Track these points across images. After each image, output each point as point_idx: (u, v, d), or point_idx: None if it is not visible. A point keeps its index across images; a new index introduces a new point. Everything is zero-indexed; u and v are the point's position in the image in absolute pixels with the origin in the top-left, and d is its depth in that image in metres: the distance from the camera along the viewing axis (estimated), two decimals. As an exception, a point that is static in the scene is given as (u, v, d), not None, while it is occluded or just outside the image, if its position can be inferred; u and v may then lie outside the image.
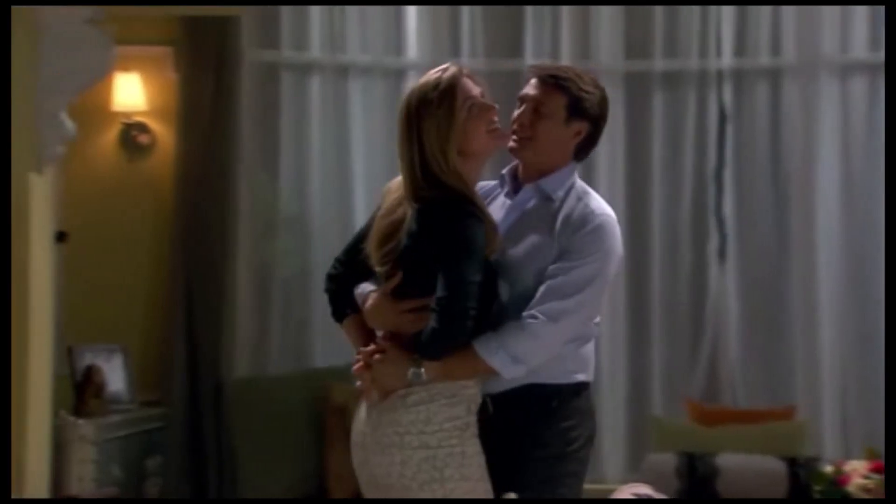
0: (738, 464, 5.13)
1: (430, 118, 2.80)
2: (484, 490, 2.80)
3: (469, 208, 2.78)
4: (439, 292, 2.72)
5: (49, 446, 4.61)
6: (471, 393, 2.82)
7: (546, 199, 2.92)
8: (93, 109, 5.62)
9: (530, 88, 2.96)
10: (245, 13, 5.65)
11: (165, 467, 5.59)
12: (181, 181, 5.75)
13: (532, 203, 2.95)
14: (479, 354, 2.77)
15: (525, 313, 2.79)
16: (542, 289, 2.80)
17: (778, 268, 5.89)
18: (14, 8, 4.19)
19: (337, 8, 5.88)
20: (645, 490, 4.92)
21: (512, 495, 2.85)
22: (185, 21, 5.71)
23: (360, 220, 5.14)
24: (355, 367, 2.88)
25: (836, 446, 5.63)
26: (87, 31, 4.34)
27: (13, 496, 4.19)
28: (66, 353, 5.38)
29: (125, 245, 5.77)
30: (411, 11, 5.93)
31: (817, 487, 4.99)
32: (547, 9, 5.94)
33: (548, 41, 5.96)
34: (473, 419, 2.81)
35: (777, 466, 5.10)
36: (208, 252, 5.70)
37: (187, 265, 5.70)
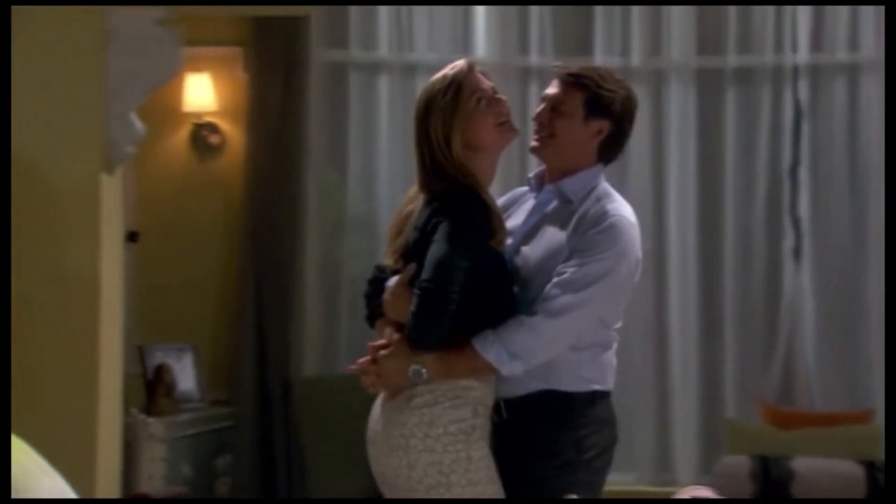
0: (814, 467, 5.04)
1: (436, 109, 2.81)
2: (493, 492, 2.75)
3: (470, 198, 2.76)
4: (422, 275, 2.70)
5: (120, 445, 4.65)
6: (476, 395, 2.77)
7: (566, 200, 2.88)
8: (164, 110, 5.67)
9: (551, 88, 2.93)
10: (311, 13, 5.66)
11: (235, 466, 5.62)
12: (250, 181, 5.77)
13: (553, 205, 2.91)
14: (475, 349, 2.72)
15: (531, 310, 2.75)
16: (549, 286, 2.75)
17: (855, 267, 5.78)
18: (82, 9, 4.23)
19: (405, 7, 5.87)
20: (705, 493, 4.85)
21: None
22: (255, 22, 5.74)
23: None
24: (360, 361, 2.86)
25: (915, 450, 5.49)
26: (157, 32, 4.35)
27: (85, 495, 4.23)
28: (137, 352, 5.43)
29: (196, 245, 5.81)
30: (479, 9, 5.90)
31: (896, 492, 4.87)
32: (617, 5, 5.88)
33: (618, 38, 5.90)
34: (480, 422, 2.77)
35: (854, 470, 5.00)
36: (277, 251, 5.72)
37: (257, 265, 5.73)
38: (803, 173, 5.85)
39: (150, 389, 5.35)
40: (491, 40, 5.86)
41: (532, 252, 2.84)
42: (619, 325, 2.92)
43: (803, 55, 5.83)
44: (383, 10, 5.85)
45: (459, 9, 5.90)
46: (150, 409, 5.26)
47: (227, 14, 5.43)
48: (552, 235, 2.84)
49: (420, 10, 5.87)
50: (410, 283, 2.77)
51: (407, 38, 5.87)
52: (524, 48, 5.86)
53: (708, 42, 5.93)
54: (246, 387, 5.65)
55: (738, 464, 5.14)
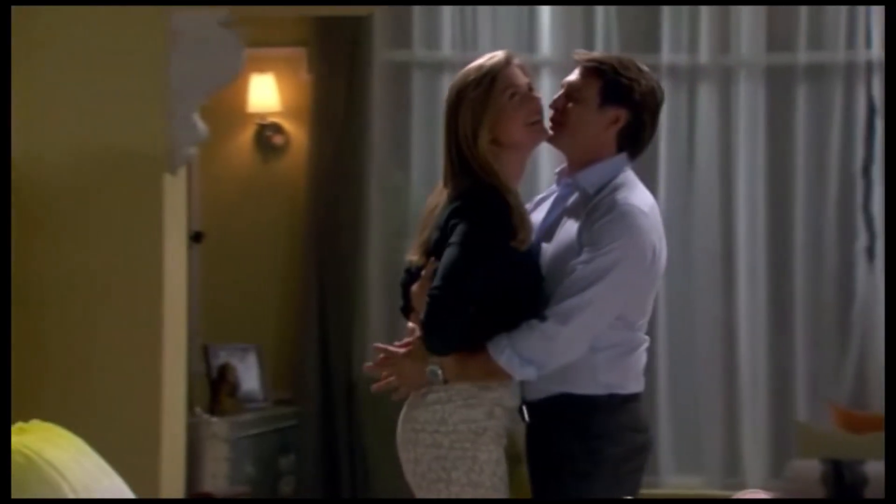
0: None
1: (467, 100, 2.73)
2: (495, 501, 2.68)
3: (490, 198, 2.67)
4: (434, 281, 2.64)
5: (184, 444, 4.67)
6: (493, 396, 2.71)
7: (584, 193, 2.77)
8: (228, 111, 5.69)
9: (571, 75, 2.83)
10: (374, 13, 5.64)
11: (298, 466, 5.63)
12: (314, 181, 5.78)
13: (572, 198, 2.80)
14: (491, 355, 2.65)
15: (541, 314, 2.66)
16: (559, 287, 2.66)
17: (930, 267, 5.64)
18: (145, 10, 4.25)
19: (468, 6, 5.84)
20: (761, 496, 4.78)
21: None
22: (319, 22, 5.74)
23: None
24: (377, 359, 2.82)
25: None
26: (219, 33, 4.36)
27: (149, 494, 4.26)
28: (202, 351, 5.46)
29: (260, 245, 5.83)
30: (544, 7, 5.85)
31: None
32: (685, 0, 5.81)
33: (685, 35, 5.83)
34: (493, 424, 2.70)
35: (929, 476, 4.88)
36: (340, 251, 5.72)
37: (320, 265, 5.73)
38: (876, 172, 5.73)
39: (214, 389, 5.37)
40: (555, 38, 5.81)
41: (550, 249, 2.76)
42: (643, 321, 2.78)
43: (877, 51, 5.71)
44: (447, 10, 5.83)
45: (524, 7, 5.86)
46: (213, 408, 5.28)
47: (290, 14, 5.43)
48: (568, 230, 2.74)
49: (484, 9, 5.83)
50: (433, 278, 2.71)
51: (470, 37, 5.84)
52: (589, 46, 5.78)
53: (778, 38, 5.83)
54: (309, 386, 5.66)
55: (809, 468, 5.07)
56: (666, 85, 5.82)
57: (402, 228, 5.92)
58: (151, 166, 4.32)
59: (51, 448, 2.84)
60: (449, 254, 2.65)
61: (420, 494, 2.73)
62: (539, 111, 2.79)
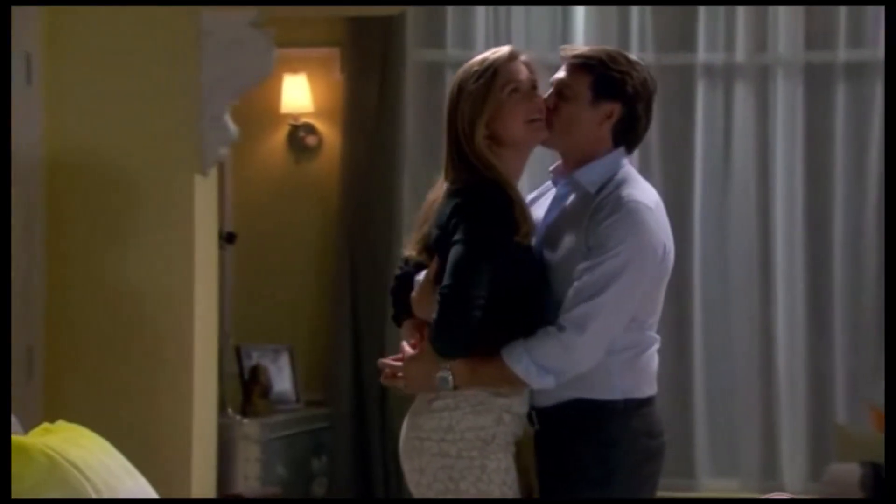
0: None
1: (466, 93, 2.67)
2: None
3: (490, 192, 2.61)
4: (444, 281, 2.57)
5: (215, 445, 4.67)
6: (502, 402, 2.64)
7: (583, 192, 2.70)
8: (261, 112, 5.70)
9: (559, 72, 2.76)
10: (407, 13, 5.64)
11: (331, 467, 5.62)
12: (347, 181, 5.77)
13: (571, 198, 2.73)
14: (506, 363, 2.59)
15: (555, 321, 2.59)
16: (570, 291, 2.59)
17: (972, 268, 5.55)
18: (174, 10, 4.26)
19: (502, 6, 5.80)
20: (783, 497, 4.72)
21: None
22: (351, 22, 5.74)
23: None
24: (386, 361, 2.75)
25: None
26: (249, 33, 4.36)
27: (180, 495, 4.26)
28: (234, 352, 5.46)
29: (292, 246, 5.83)
30: (579, 7, 5.81)
31: None
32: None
33: (722, 33, 5.77)
34: (502, 430, 2.63)
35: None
36: (373, 252, 5.70)
37: (353, 265, 5.72)
38: (916, 171, 5.64)
39: (246, 390, 5.37)
40: (590, 38, 5.76)
41: (553, 251, 2.69)
42: (654, 319, 2.73)
43: (917, 48, 5.62)
44: (480, 9, 5.80)
45: (558, 7, 5.81)
46: (245, 409, 5.28)
47: (318, 14, 5.43)
48: (570, 232, 2.67)
49: (517, 9, 5.80)
50: (437, 280, 2.64)
51: (504, 37, 5.80)
52: (624, 45, 5.72)
53: (817, 36, 5.76)
54: (342, 388, 5.65)
55: (848, 471, 4.99)
56: (702, 84, 5.85)
57: (434, 229, 5.91)
58: (182, 167, 4.34)
59: (74, 449, 2.85)
60: (455, 252, 2.59)
61: None
62: (540, 110, 2.71)
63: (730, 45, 5.76)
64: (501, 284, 2.62)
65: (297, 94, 5.80)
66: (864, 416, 5.49)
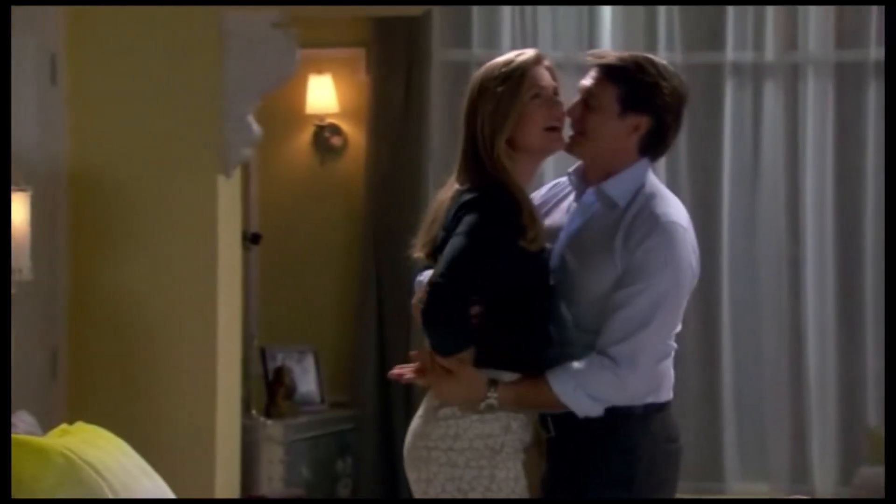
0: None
1: (489, 97, 2.61)
2: None
3: (498, 194, 2.56)
4: (435, 270, 2.53)
5: (238, 446, 4.67)
6: (510, 409, 2.59)
7: (611, 205, 2.66)
8: (286, 112, 5.70)
9: (586, 79, 2.69)
10: (433, 13, 5.61)
11: (356, 469, 5.61)
12: (372, 182, 5.76)
13: (596, 208, 2.69)
14: (554, 391, 2.56)
15: (602, 349, 2.56)
16: (613, 319, 2.56)
17: None
18: (198, 11, 4.26)
19: (528, 6, 5.77)
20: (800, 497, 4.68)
21: None
22: (377, 22, 5.72)
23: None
24: (409, 368, 2.71)
25: None
26: (272, 34, 4.36)
27: (204, 495, 4.26)
28: (259, 354, 5.46)
29: (317, 246, 5.82)
30: (606, 7, 5.76)
31: None
32: (752, -4, 5.71)
33: (751, 32, 5.71)
34: (510, 438, 2.59)
35: None
36: (398, 253, 5.65)
37: (378, 266, 5.71)
38: (950, 171, 5.57)
39: (271, 391, 5.36)
40: (617, 37, 5.72)
41: (577, 264, 2.65)
42: (677, 330, 2.71)
43: (950, 46, 5.55)
44: (506, 9, 5.77)
45: (584, 6, 5.77)
46: (270, 411, 5.27)
47: (345, 15, 5.42)
48: (600, 246, 2.63)
49: (544, 8, 5.76)
50: None
51: (530, 37, 5.77)
52: (651, 45, 5.70)
53: (848, 34, 5.69)
54: (367, 389, 5.63)
55: (879, 475, 4.91)
56: (731, 84, 5.79)
57: (460, 230, 5.88)
58: (205, 168, 4.34)
59: (92, 449, 2.86)
60: (452, 244, 2.55)
61: None
62: (560, 118, 2.67)
63: (759, 44, 5.70)
64: (503, 285, 2.58)
65: (323, 94, 5.79)
66: (896, 419, 5.42)
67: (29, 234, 3.65)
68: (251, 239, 5.28)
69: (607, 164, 2.69)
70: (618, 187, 2.67)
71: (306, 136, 5.87)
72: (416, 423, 2.68)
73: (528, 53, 2.67)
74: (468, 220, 2.56)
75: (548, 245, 2.70)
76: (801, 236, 5.68)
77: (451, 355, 2.58)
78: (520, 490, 2.60)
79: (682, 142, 5.67)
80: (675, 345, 2.72)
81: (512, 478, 2.59)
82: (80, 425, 3.05)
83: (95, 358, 4.35)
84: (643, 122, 2.66)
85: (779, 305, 5.64)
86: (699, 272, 2.71)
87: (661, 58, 5.92)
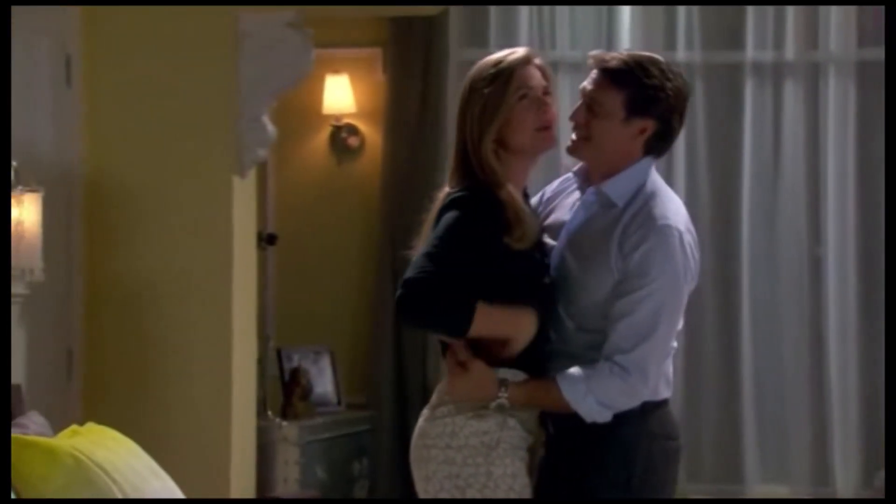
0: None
1: (477, 98, 2.60)
2: None
3: (483, 194, 2.54)
4: (412, 262, 2.53)
5: (253, 447, 4.67)
6: (505, 405, 2.57)
7: (609, 205, 2.64)
8: (303, 112, 5.70)
9: (588, 82, 2.65)
10: (450, 13, 5.59)
11: (372, 470, 5.59)
12: (389, 183, 5.74)
13: (596, 207, 2.67)
14: (565, 396, 2.55)
15: (609, 356, 2.56)
16: (618, 327, 2.55)
17: None
18: (213, 10, 4.26)
19: (546, 6, 5.75)
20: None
21: None
22: (394, 22, 5.71)
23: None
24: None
25: None
26: (287, 34, 4.36)
27: (220, 496, 4.26)
28: (275, 354, 5.45)
29: (334, 247, 5.81)
30: (625, 6, 5.73)
31: None
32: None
33: (771, 31, 5.67)
34: (507, 434, 2.57)
35: None
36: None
37: (395, 267, 5.68)
38: (972, 171, 5.51)
39: (287, 392, 5.35)
40: (636, 36, 5.69)
41: (575, 264, 2.64)
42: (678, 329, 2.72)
43: (974, 45, 5.50)
44: (524, 9, 5.74)
45: (603, 6, 5.74)
46: (286, 412, 5.26)
47: (361, 14, 5.41)
48: (597, 246, 2.61)
49: (562, 8, 5.73)
50: None
51: (548, 36, 5.75)
52: (670, 44, 5.66)
53: (869, 33, 5.65)
54: (384, 391, 5.62)
55: (901, 478, 4.87)
56: (750, 83, 5.75)
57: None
58: (220, 169, 4.34)
59: (101, 450, 2.86)
60: (427, 241, 2.56)
61: None
62: (550, 118, 2.63)
63: (779, 43, 5.66)
64: (486, 279, 2.55)
65: (340, 94, 5.78)
66: (919, 421, 5.37)
67: (41, 234, 3.65)
68: (267, 239, 5.28)
69: (611, 165, 2.67)
70: (618, 187, 2.65)
71: (323, 136, 5.86)
72: (419, 422, 2.68)
73: (519, 53, 2.64)
74: (446, 217, 2.56)
75: (550, 241, 2.69)
76: (822, 237, 5.65)
77: (465, 334, 2.54)
78: (519, 487, 2.58)
79: (701, 142, 5.65)
80: (675, 344, 2.71)
81: (510, 474, 2.57)
82: (90, 426, 3.05)
83: (111, 359, 4.36)
84: (649, 125, 2.63)
85: (800, 306, 5.60)
86: (698, 274, 2.69)
87: (680, 57, 5.91)
